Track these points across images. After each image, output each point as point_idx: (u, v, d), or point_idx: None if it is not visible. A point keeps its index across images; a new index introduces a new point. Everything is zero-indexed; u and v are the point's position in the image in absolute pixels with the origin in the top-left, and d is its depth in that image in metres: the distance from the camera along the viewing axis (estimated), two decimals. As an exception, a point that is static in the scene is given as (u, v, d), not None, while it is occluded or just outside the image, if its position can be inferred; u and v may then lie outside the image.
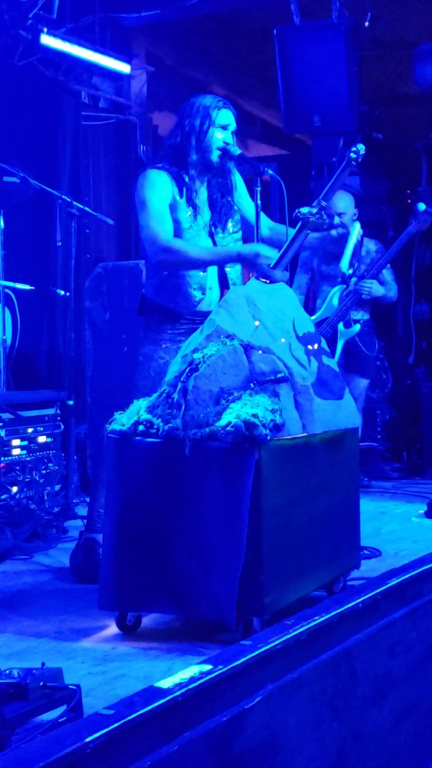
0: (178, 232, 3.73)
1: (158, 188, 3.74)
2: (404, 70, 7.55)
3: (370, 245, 5.92)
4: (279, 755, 2.49)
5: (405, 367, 7.32)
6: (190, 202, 3.74)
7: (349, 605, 2.90)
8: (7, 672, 2.26)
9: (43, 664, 2.34)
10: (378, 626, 3.04)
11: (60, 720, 2.16)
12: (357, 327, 5.69)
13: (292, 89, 7.15)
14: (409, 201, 7.47)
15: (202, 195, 3.83)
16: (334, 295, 5.66)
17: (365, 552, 3.93)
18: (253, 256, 3.57)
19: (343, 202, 5.68)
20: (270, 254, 3.52)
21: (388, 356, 7.22)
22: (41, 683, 2.23)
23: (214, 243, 3.80)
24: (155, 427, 2.98)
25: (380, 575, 3.30)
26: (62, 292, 6.18)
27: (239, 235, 3.90)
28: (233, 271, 3.81)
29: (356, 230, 5.57)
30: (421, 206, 5.51)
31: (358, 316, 5.79)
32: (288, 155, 9.37)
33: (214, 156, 3.76)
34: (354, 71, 6.98)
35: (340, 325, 5.65)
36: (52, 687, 2.24)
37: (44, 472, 5.12)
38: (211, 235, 3.81)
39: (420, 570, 3.35)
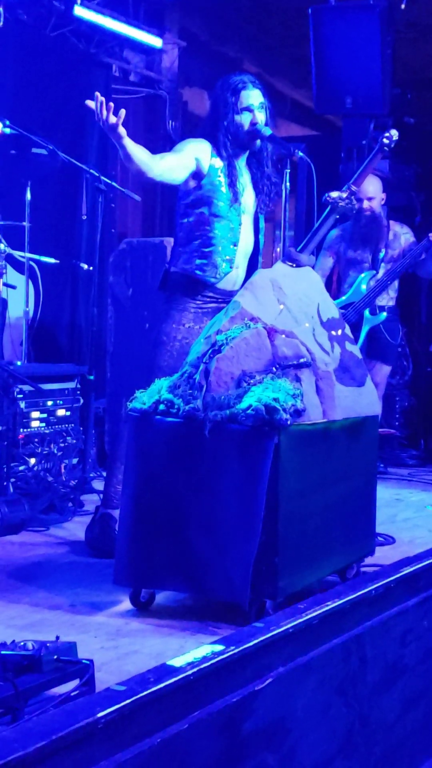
0: (215, 195, 3.73)
1: (194, 143, 3.74)
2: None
3: (397, 228, 5.88)
4: (287, 737, 2.51)
5: (426, 354, 7.29)
6: (232, 186, 3.74)
7: (362, 592, 2.91)
8: (22, 644, 2.28)
9: (57, 637, 2.37)
10: (390, 614, 3.05)
11: (72, 694, 2.18)
12: (383, 315, 5.67)
13: (325, 69, 7.10)
14: (438, 187, 7.44)
15: (243, 176, 3.82)
16: (362, 281, 5.64)
17: (379, 539, 3.94)
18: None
19: (373, 187, 5.64)
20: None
21: (410, 343, 7.20)
22: (55, 656, 2.25)
23: (256, 227, 3.81)
24: (176, 407, 2.99)
25: (394, 563, 3.31)
26: (86, 266, 6.17)
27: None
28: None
29: None
30: None
31: (383, 302, 5.76)
32: (317, 136, 9.31)
33: (244, 138, 3.76)
34: (388, 54, 6.92)
35: (366, 312, 5.63)
36: (66, 661, 2.26)
37: (62, 445, 5.14)
38: (256, 220, 3.82)
39: (434, 559, 3.36)
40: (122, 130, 3.39)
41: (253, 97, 3.75)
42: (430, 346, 7.22)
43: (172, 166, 3.65)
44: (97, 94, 3.38)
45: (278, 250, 9.64)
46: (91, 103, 3.35)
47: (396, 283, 5.74)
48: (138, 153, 3.52)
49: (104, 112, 3.31)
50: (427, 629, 3.28)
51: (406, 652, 3.15)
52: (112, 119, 3.35)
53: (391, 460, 6.56)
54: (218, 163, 3.75)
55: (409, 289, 6.17)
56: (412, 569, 3.21)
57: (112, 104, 3.32)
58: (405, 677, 3.13)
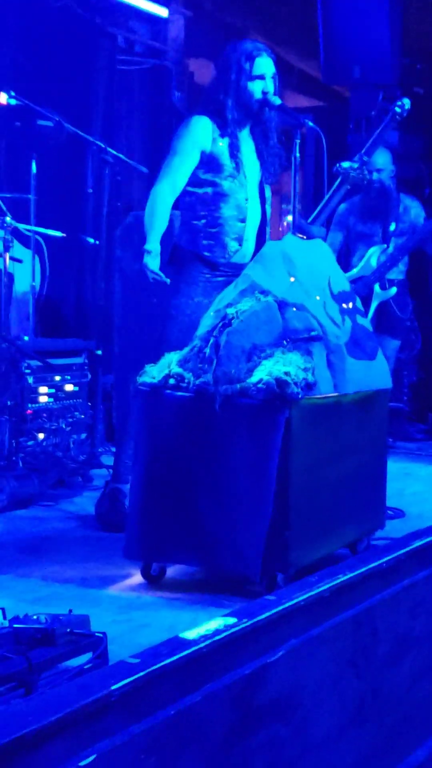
0: (218, 175, 3.74)
1: (194, 135, 3.72)
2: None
3: (407, 201, 5.83)
4: (299, 709, 2.52)
5: (434, 328, 7.26)
6: (233, 154, 3.71)
7: (373, 565, 2.91)
8: (35, 617, 2.29)
9: (70, 610, 2.37)
10: (400, 586, 3.05)
11: (86, 667, 2.19)
12: (394, 290, 5.63)
13: (333, 39, 7.04)
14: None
15: (247, 147, 3.79)
16: (372, 255, 5.60)
17: (389, 512, 3.92)
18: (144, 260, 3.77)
19: (382, 159, 5.59)
20: (151, 267, 3.75)
21: (418, 317, 7.15)
22: (68, 630, 2.25)
23: (262, 196, 3.79)
24: (186, 381, 2.98)
25: (404, 536, 3.30)
26: (92, 241, 6.14)
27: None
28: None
29: None
30: None
31: (393, 275, 5.73)
32: (324, 107, 9.23)
33: (254, 107, 3.72)
34: (397, 23, 6.86)
35: (376, 286, 5.60)
36: (79, 634, 2.27)
37: (70, 420, 5.13)
38: (261, 190, 3.80)
39: (444, 532, 3.36)
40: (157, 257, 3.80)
41: (267, 65, 3.72)
42: (438, 319, 7.19)
43: (184, 183, 3.77)
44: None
45: (285, 224, 9.56)
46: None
47: (405, 257, 5.71)
48: (163, 223, 3.81)
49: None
50: (437, 602, 3.28)
51: (416, 625, 3.15)
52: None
53: (399, 435, 6.54)
54: (221, 141, 3.72)
55: (419, 263, 6.12)
56: (422, 542, 3.21)
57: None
58: (415, 649, 3.14)
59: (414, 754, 3.04)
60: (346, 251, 5.93)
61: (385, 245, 5.64)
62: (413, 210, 5.83)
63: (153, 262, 3.74)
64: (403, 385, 7.11)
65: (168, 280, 3.72)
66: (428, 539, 3.24)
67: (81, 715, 1.87)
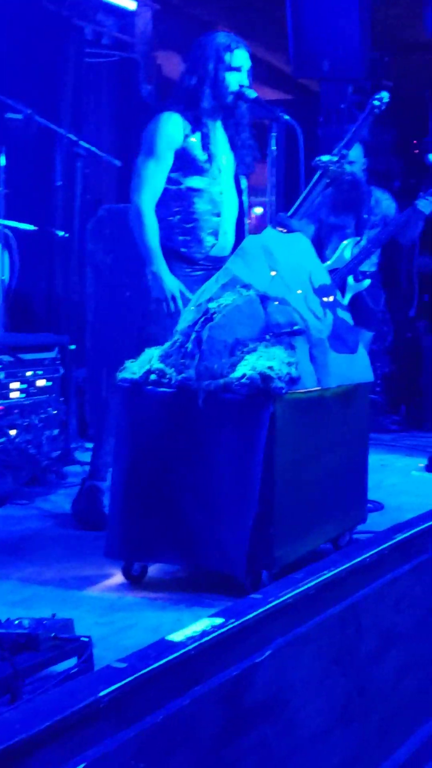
0: (190, 171, 3.66)
1: (167, 135, 3.66)
2: (415, 16, 7.39)
3: (378, 194, 5.82)
4: (286, 709, 2.49)
5: (406, 320, 7.26)
6: (205, 147, 3.66)
7: (357, 560, 2.88)
8: (17, 622, 2.24)
9: (53, 614, 2.32)
10: (384, 581, 3.03)
11: (72, 671, 2.14)
12: (367, 282, 5.62)
13: (302, 33, 7.01)
14: (416, 151, 7.37)
15: (219, 139, 3.74)
16: (346, 247, 5.58)
17: (368, 505, 3.91)
18: (156, 288, 3.65)
19: (354, 151, 5.57)
20: (171, 288, 3.64)
21: (390, 309, 7.15)
22: (52, 634, 2.20)
23: (238, 187, 3.75)
24: (168, 376, 2.93)
25: (386, 530, 3.28)
26: (62, 234, 6.07)
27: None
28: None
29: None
30: None
31: (365, 267, 5.71)
32: (293, 100, 9.21)
33: (229, 100, 3.68)
34: (366, 17, 6.84)
35: (350, 278, 5.58)
36: (64, 638, 2.22)
37: (43, 416, 5.07)
38: (237, 179, 3.76)
39: (425, 525, 3.34)
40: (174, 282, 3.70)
41: (244, 58, 3.68)
42: (410, 311, 7.19)
43: (163, 183, 3.70)
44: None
45: (253, 216, 9.53)
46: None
47: (378, 249, 5.70)
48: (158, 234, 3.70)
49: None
50: (419, 595, 3.27)
51: (400, 619, 3.13)
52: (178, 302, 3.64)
53: (374, 426, 6.51)
54: (193, 137, 3.67)
55: (391, 255, 6.12)
56: (404, 536, 3.19)
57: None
58: (399, 644, 3.12)
59: (400, 750, 3.02)
60: (319, 243, 5.91)
61: (359, 237, 5.62)
62: (384, 202, 5.82)
63: (171, 280, 3.64)
64: (377, 377, 7.11)
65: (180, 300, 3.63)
66: (410, 532, 3.22)
67: (70, 723, 1.83)
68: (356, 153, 5.62)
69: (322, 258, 5.73)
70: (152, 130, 3.69)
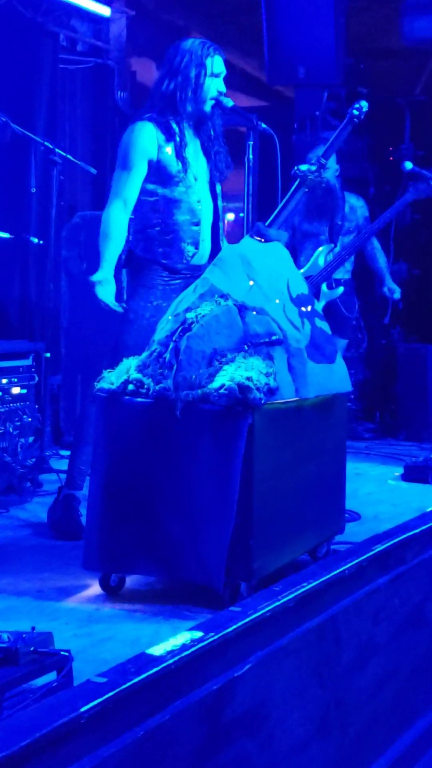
0: (167, 182, 3.65)
1: (140, 146, 3.65)
2: (390, 23, 7.43)
3: (353, 200, 5.84)
4: (265, 723, 2.47)
5: (381, 326, 7.28)
6: (180, 156, 3.64)
7: (336, 572, 2.87)
8: (-3, 636, 2.21)
9: (33, 628, 2.29)
10: (363, 592, 3.03)
11: (52, 686, 2.12)
12: (341, 289, 5.63)
13: (277, 39, 7.02)
14: (391, 158, 7.40)
15: (193, 146, 3.73)
16: (320, 255, 5.59)
17: (345, 515, 3.91)
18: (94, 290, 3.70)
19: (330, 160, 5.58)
20: (103, 297, 3.69)
21: (364, 316, 7.17)
22: (32, 648, 2.18)
23: (214, 193, 3.75)
24: (145, 387, 2.91)
25: (365, 541, 3.28)
26: (36, 240, 6.04)
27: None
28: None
29: None
30: (408, 165, 5.40)
31: (339, 275, 5.73)
32: (267, 107, 9.21)
33: (207, 107, 3.67)
34: (341, 23, 6.86)
35: (324, 286, 5.58)
36: (43, 652, 2.19)
37: (18, 423, 5.03)
38: (212, 185, 3.75)
39: (403, 537, 3.34)
40: (111, 287, 3.72)
41: (222, 65, 3.67)
42: (384, 318, 7.21)
43: (135, 194, 3.71)
44: None
45: (225, 222, 9.54)
46: None
47: (352, 256, 5.71)
48: (118, 245, 3.73)
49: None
50: (397, 607, 3.27)
51: (379, 631, 3.13)
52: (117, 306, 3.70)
53: (348, 434, 6.53)
54: (168, 148, 3.65)
55: (364, 262, 6.13)
56: (383, 547, 3.19)
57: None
58: (377, 656, 3.12)
59: (377, 762, 3.01)
60: (293, 250, 5.91)
61: (333, 244, 5.63)
62: (359, 209, 5.84)
63: (105, 292, 3.67)
64: (351, 384, 7.11)
65: (121, 310, 3.67)
66: (389, 543, 3.22)
67: (50, 739, 1.81)
68: (329, 159, 5.63)
69: (297, 265, 5.74)
70: (126, 142, 3.69)
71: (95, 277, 3.67)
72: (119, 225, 3.67)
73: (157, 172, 3.66)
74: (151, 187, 3.68)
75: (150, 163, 3.66)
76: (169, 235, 3.66)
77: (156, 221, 3.68)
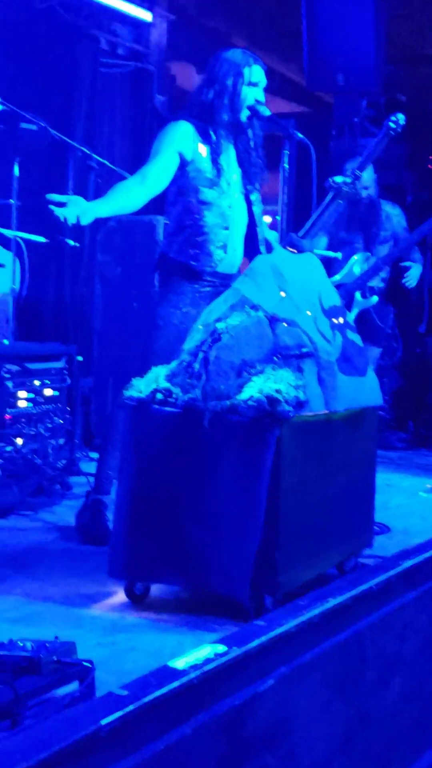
0: (200, 183, 3.65)
1: (172, 137, 3.64)
2: (430, 30, 7.39)
3: (388, 208, 5.80)
4: (288, 739, 2.46)
5: (416, 335, 7.22)
6: (215, 164, 3.64)
7: (363, 587, 2.85)
8: (21, 644, 2.21)
9: (56, 637, 2.30)
10: (390, 608, 3.00)
11: (74, 696, 2.12)
12: (375, 298, 5.61)
13: (317, 46, 7.01)
14: (429, 166, 7.35)
15: (229, 154, 3.73)
16: (355, 263, 5.56)
17: (375, 528, 3.89)
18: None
19: (368, 175, 5.57)
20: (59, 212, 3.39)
21: (399, 324, 7.13)
22: (55, 658, 2.18)
23: (249, 201, 3.74)
24: (174, 396, 2.91)
25: (393, 556, 3.25)
26: (72, 243, 6.06)
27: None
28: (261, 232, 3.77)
29: None
30: None
31: (373, 283, 5.70)
32: (307, 113, 9.21)
33: (244, 116, 3.67)
34: (381, 30, 6.84)
35: (358, 294, 5.56)
36: (66, 662, 2.20)
37: (49, 425, 5.06)
38: (247, 195, 3.74)
39: (433, 551, 3.31)
40: (87, 216, 3.41)
41: (261, 75, 3.68)
42: (419, 327, 7.16)
43: (156, 179, 3.62)
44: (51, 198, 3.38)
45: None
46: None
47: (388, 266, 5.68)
48: (117, 203, 3.57)
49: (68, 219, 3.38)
50: (424, 623, 3.24)
51: (405, 647, 3.10)
52: (72, 220, 3.38)
53: (380, 443, 6.46)
54: (202, 147, 3.65)
55: (398, 271, 6.09)
56: (411, 562, 3.16)
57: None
58: (403, 672, 3.09)
59: (401, 778, 2.99)
60: (327, 259, 5.89)
61: (368, 253, 5.61)
62: (395, 218, 5.81)
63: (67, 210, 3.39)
64: (384, 393, 7.06)
65: (74, 221, 3.40)
66: (418, 559, 3.19)
67: (70, 752, 1.81)
68: (370, 176, 5.61)
69: (330, 272, 5.71)
70: (159, 136, 3.70)
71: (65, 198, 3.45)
72: (125, 188, 3.60)
73: (191, 171, 3.65)
74: (184, 187, 3.67)
75: (182, 158, 3.64)
76: (199, 237, 3.66)
77: (188, 222, 3.68)
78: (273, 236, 3.80)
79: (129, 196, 3.58)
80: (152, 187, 3.61)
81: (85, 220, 3.40)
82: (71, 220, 3.36)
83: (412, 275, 5.70)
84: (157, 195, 3.66)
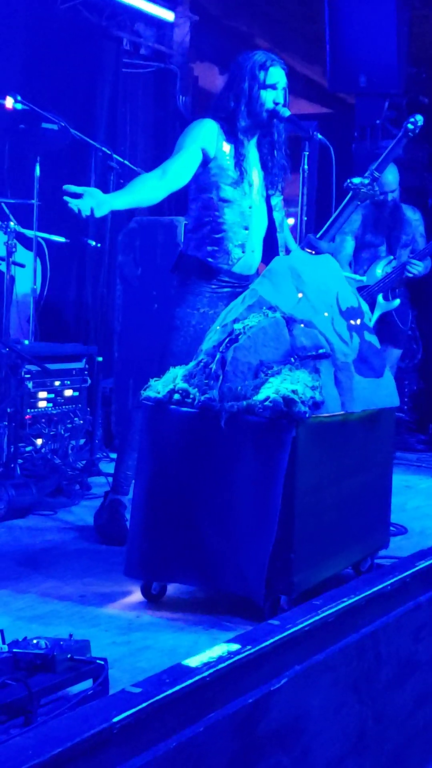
0: (222, 181, 3.65)
1: (196, 134, 3.64)
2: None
3: (409, 213, 5.79)
4: (301, 738, 2.47)
5: (436, 337, 7.21)
6: (239, 165, 3.65)
7: (378, 587, 2.86)
8: (35, 642, 2.23)
9: (71, 635, 2.32)
10: (405, 609, 3.01)
11: (87, 694, 2.13)
12: (397, 301, 5.59)
13: (340, 47, 7.00)
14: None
15: (252, 158, 3.73)
16: (379, 265, 5.55)
17: (391, 529, 3.88)
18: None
19: (393, 177, 5.56)
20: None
21: (420, 326, 7.11)
22: (69, 655, 2.20)
23: (269, 205, 3.74)
24: (191, 396, 2.92)
25: (409, 556, 3.26)
26: (93, 243, 6.09)
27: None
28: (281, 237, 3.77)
29: None
30: None
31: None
32: (329, 114, 9.19)
33: (263, 116, 3.67)
34: (404, 31, 6.82)
35: (380, 297, 5.55)
36: (80, 660, 2.22)
37: (69, 426, 5.08)
38: (268, 198, 3.75)
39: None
40: (102, 209, 3.37)
41: (279, 76, 3.67)
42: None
43: (177, 174, 3.59)
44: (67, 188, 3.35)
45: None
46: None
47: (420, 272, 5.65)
48: (135, 197, 3.54)
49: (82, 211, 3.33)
50: (441, 624, 3.24)
51: (420, 648, 3.10)
52: (86, 212, 3.33)
53: (399, 445, 6.47)
54: (226, 146, 3.66)
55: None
56: (426, 563, 3.16)
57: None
58: (417, 673, 3.09)
59: (415, 780, 2.99)
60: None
61: (391, 256, 5.60)
62: (414, 223, 5.79)
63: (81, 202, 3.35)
64: (404, 395, 7.06)
65: (88, 212, 3.35)
66: (433, 560, 3.19)
67: (82, 749, 1.82)
68: (395, 178, 5.59)
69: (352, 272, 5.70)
70: (185, 132, 3.71)
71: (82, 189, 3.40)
72: (144, 182, 3.59)
73: (213, 168, 3.65)
74: (206, 184, 3.68)
75: (205, 155, 3.64)
76: (217, 234, 3.66)
77: (207, 219, 3.68)
78: (296, 247, 3.79)
79: (147, 189, 3.56)
80: (172, 182, 3.58)
81: (100, 213, 3.37)
82: (85, 212, 3.31)
83: (418, 263, 5.59)
84: (176, 191, 3.65)
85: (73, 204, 3.31)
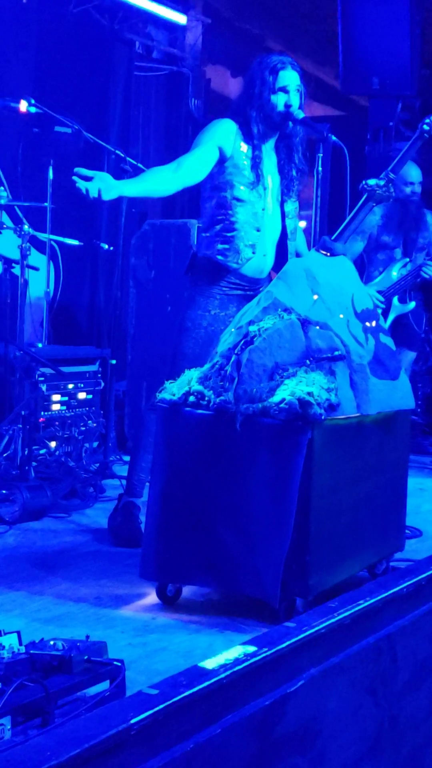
0: (237, 179, 3.65)
1: (214, 131, 3.64)
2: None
3: (429, 217, 5.77)
4: (317, 740, 2.46)
5: (450, 340, 7.19)
6: (255, 168, 3.65)
7: (394, 590, 2.85)
8: (52, 643, 2.24)
9: (87, 636, 2.32)
10: (421, 611, 3.00)
11: (104, 695, 2.13)
12: (412, 304, 5.58)
13: (353, 49, 7.00)
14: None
15: (268, 162, 3.72)
16: (394, 267, 5.53)
17: (406, 531, 3.87)
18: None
19: (415, 171, 5.54)
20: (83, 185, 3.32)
21: (433, 330, 7.09)
22: (86, 657, 2.20)
23: (283, 211, 3.74)
24: (206, 399, 2.92)
25: (424, 559, 3.24)
26: (106, 246, 6.10)
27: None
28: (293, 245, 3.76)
29: None
30: None
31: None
32: (342, 116, 9.19)
33: (277, 120, 3.67)
34: (417, 33, 6.82)
35: (395, 299, 5.54)
36: (97, 662, 2.22)
37: (83, 428, 5.09)
38: (282, 203, 3.75)
39: (465, 555, 3.30)
40: (110, 193, 3.34)
41: (291, 78, 3.65)
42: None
43: (191, 169, 3.59)
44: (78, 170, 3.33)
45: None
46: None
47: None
48: (146, 185, 3.54)
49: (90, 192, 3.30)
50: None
51: (436, 650, 3.10)
52: (94, 193, 3.30)
53: (413, 448, 6.43)
54: (244, 146, 3.66)
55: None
56: (443, 566, 3.15)
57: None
58: (434, 676, 3.08)
59: (431, 783, 2.98)
60: (364, 261, 5.86)
61: (407, 259, 5.57)
62: (431, 226, 5.77)
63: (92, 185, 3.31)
64: (418, 398, 7.05)
65: (96, 194, 3.32)
66: (450, 563, 3.18)
67: (100, 750, 1.82)
68: (418, 173, 5.57)
69: (368, 276, 5.68)
70: (204, 130, 3.71)
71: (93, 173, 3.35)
72: (157, 172, 3.59)
73: (229, 167, 3.65)
74: (220, 182, 3.67)
75: (222, 154, 3.64)
76: (229, 232, 3.65)
77: (220, 217, 3.67)
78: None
79: (159, 180, 3.55)
80: (185, 177, 3.57)
81: (107, 196, 3.33)
82: (93, 194, 3.28)
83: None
84: (189, 186, 3.63)
85: (81, 185, 3.29)
